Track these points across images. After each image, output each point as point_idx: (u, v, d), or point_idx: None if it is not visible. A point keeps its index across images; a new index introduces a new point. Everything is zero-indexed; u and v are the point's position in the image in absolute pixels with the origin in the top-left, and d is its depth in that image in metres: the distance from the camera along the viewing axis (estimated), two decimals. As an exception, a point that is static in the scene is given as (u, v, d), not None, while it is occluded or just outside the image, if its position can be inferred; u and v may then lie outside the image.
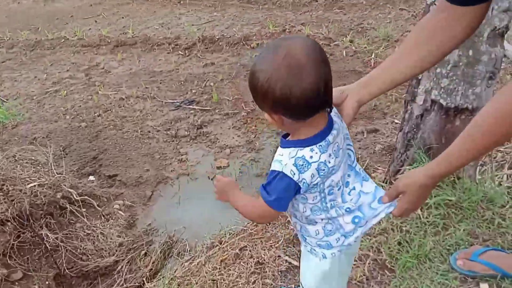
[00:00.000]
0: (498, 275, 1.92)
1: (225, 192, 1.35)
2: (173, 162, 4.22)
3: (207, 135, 4.53)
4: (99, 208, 3.53)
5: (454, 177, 2.33)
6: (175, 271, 2.24)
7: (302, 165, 1.13)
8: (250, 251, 2.21)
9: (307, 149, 1.15)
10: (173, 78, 5.68)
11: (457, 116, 2.15)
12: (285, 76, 1.03)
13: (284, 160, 1.16)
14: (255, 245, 2.25)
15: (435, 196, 2.21)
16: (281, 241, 2.20)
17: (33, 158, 4.24)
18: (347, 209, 1.28)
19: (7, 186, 3.11)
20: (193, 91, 5.29)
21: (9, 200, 2.95)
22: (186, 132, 4.58)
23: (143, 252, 3.29)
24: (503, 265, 1.91)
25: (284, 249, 2.18)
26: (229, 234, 2.41)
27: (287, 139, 1.22)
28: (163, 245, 3.30)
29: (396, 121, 4.32)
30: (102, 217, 3.46)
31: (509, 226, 2.16)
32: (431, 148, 2.31)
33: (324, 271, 1.39)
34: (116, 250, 3.25)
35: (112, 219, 3.49)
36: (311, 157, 1.14)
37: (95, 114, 5.05)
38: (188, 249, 2.44)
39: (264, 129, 4.46)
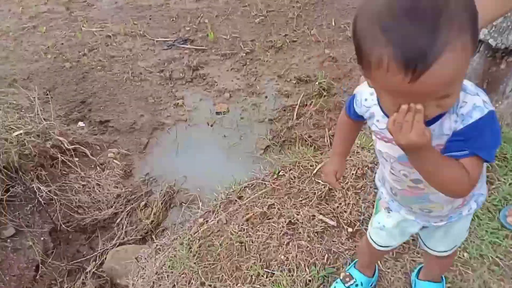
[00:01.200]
0: None
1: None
2: (169, 107, 3.94)
3: (204, 78, 4.21)
4: (92, 158, 3.30)
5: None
6: (190, 229, 2.06)
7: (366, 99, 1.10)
8: (278, 209, 2.04)
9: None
10: (164, 13, 5.21)
11: (504, 59, 1.92)
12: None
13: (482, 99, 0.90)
14: (284, 202, 2.07)
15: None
16: (314, 198, 2.03)
17: (14, 102, 3.90)
18: None
19: (-11, 134, 2.84)
20: (187, 28, 4.86)
21: (-7, 150, 2.69)
22: (181, 74, 4.25)
23: (143, 203, 3.12)
24: None
25: (318, 207, 2.01)
26: (248, 189, 2.21)
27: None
28: (164, 195, 3.13)
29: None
30: (97, 167, 3.24)
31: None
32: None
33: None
34: (114, 202, 3.07)
35: (107, 168, 3.28)
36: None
37: (80, 53, 4.63)
38: (201, 205, 2.24)
39: (265, 71, 4.16)
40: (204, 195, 2.85)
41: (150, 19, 5.12)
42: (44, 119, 3.34)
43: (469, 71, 2.03)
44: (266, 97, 3.90)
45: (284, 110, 3.69)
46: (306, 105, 3.66)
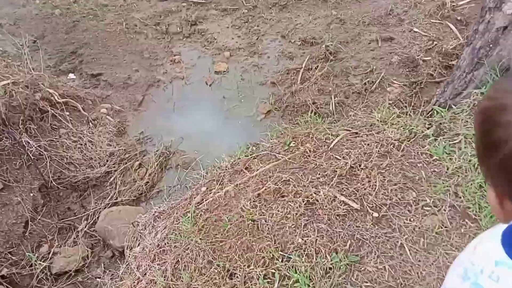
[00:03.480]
0: None
1: None
2: (165, 62, 3.74)
3: (202, 34, 3.99)
4: (84, 112, 3.12)
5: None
6: (192, 199, 1.90)
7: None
8: (294, 186, 1.84)
9: None
10: (161, -39, 4.88)
11: None
12: None
13: (483, 260, 0.61)
14: (299, 179, 1.88)
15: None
16: (334, 177, 1.84)
17: (1, 48, 3.66)
18: None
19: (-26, 82, 2.64)
20: (185, -21, 4.57)
21: (-22, 100, 2.50)
22: (178, 29, 4.01)
23: (137, 163, 2.99)
24: None
25: (338, 187, 1.82)
26: (257, 160, 2.04)
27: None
28: (159, 156, 2.99)
29: (415, 29, 3.88)
30: (89, 123, 3.07)
31: None
32: (508, 70, 1.93)
33: None
34: (107, 160, 2.93)
35: (100, 125, 3.11)
36: None
37: (71, 0, 4.34)
38: (203, 173, 2.06)
39: (268, 30, 3.95)
40: (204, 159, 2.73)
41: (146, -34, 4.79)
42: (32, 68, 3.13)
43: (508, 45, 1.88)
44: (268, 57, 3.72)
45: (288, 73, 3.52)
46: (311, 69, 3.49)
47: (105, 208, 2.68)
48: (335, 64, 3.52)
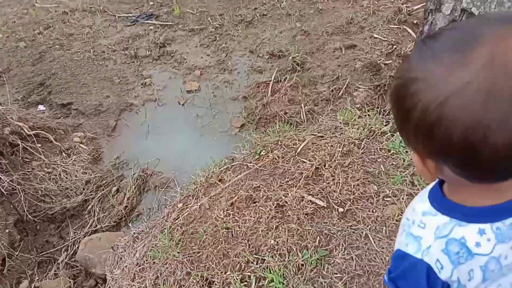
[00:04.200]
0: None
1: None
2: (136, 86, 3.75)
3: (172, 55, 4.02)
4: (56, 143, 3.09)
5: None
6: (169, 216, 1.93)
7: (458, 253, 0.65)
8: (265, 191, 1.93)
9: (473, 227, 0.65)
10: (124, -13, 4.92)
11: None
12: (478, 104, 0.52)
13: (426, 237, 0.68)
14: (269, 184, 1.96)
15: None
16: (301, 179, 1.94)
17: (-35, 86, 3.60)
18: None
19: None
20: (150, 3, 4.62)
21: None
22: (147, 52, 4.04)
23: (114, 188, 2.97)
24: None
25: (305, 187, 1.92)
26: (229, 171, 2.10)
27: (442, 194, 0.71)
28: (137, 179, 2.98)
29: (375, 35, 4.03)
30: (62, 153, 3.04)
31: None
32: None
33: None
34: (84, 189, 2.90)
35: (73, 154, 3.08)
36: (478, 244, 0.64)
37: (35, 32, 4.31)
38: (179, 189, 2.11)
39: (236, 46, 4.02)
40: (180, 177, 2.74)
41: (110, -7, 4.83)
42: (0, 103, 3.09)
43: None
44: (238, 73, 3.78)
45: (258, 86, 3.59)
46: (280, 81, 3.57)
47: (84, 237, 2.64)
48: (302, 75, 3.61)
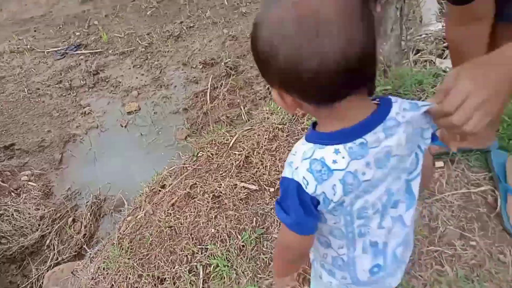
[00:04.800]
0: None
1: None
2: (76, 117, 3.79)
3: (106, 80, 4.09)
4: (4, 184, 3.09)
5: (384, 67, 2.35)
6: (119, 229, 2.04)
7: (321, 171, 0.77)
8: (201, 187, 2.06)
9: (330, 148, 0.77)
10: (48, 23, 4.92)
11: (377, 1, 2.10)
12: (292, 34, 0.65)
13: (296, 161, 0.80)
14: (205, 180, 2.10)
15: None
16: (232, 169, 2.08)
17: None
18: (373, 244, 0.92)
19: None
20: (77, 33, 4.65)
21: None
22: (81, 81, 4.08)
23: (70, 219, 3.01)
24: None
25: (238, 176, 2.07)
26: (170, 177, 2.23)
27: (315, 129, 0.83)
28: (91, 206, 3.03)
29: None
30: (11, 193, 3.05)
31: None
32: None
33: None
34: (39, 224, 2.92)
35: (23, 192, 3.10)
36: (334, 161, 0.76)
37: (-36, 80, 4.26)
38: (127, 205, 2.23)
39: (168, 62, 4.15)
40: (131, 195, 2.83)
41: (35, 31, 4.82)
42: None
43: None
44: (175, 87, 3.90)
45: (196, 96, 3.73)
46: (217, 87, 3.73)
47: (47, 271, 2.67)
48: (237, 78, 3.79)
